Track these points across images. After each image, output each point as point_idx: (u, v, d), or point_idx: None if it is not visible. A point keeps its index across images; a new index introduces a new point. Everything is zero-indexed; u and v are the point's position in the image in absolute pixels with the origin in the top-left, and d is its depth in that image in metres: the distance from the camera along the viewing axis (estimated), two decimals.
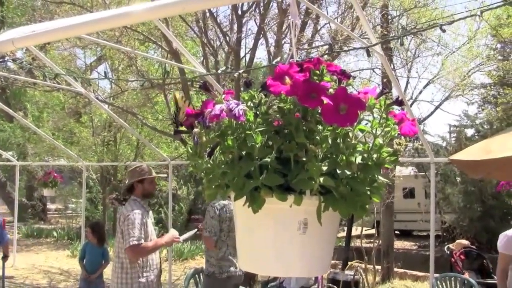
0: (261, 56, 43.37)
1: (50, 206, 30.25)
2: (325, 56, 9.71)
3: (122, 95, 14.28)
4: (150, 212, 5.51)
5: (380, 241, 13.50)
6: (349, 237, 9.26)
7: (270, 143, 1.65)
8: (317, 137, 1.61)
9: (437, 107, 18.18)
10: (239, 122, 1.66)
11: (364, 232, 13.10)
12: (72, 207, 28.21)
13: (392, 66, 13.66)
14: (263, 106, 1.75)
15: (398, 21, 13.69)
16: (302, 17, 10.75)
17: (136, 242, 4.93)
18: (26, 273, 13.10)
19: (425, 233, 22.06)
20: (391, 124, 1.72)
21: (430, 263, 8.65)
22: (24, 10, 16.57)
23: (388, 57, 11.85)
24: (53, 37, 3.04)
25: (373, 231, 15.27)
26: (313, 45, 12.01)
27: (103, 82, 18.69)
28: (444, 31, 2.80)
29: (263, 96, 1.77)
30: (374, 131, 1.71)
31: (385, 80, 12.76)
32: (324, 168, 1.57)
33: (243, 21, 11.24)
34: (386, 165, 1.75)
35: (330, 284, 8.04)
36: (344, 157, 1.64)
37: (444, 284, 8.15)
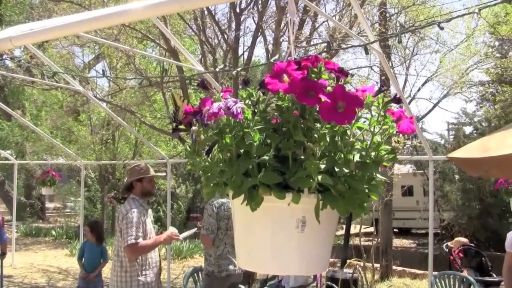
0: (260, 54, 43.40)
1: (49, 204, 30.22)
2: (323, 54, 9.70)
3: (121, 93, 14.27)
4: (150, 211, 5.52)
5: (379, 239, 13.50)
6: (347, 235, 9.24)
7: (268, 141, 1.65)
8: (315, 135, 1.61)
9: (435, 105, 18.19)
10: (237, 120, 1.66)
11: (362, 230, 13.09)
12: (71, 205, 28.19)
13: (390, 64, 13.67)
14: (261, 104, 1.74)
15: (396, 19, 13.67)
16: (300, 15, 10.75)
17: (134, 241, 4.94)
18: (25, 272, 13.10)
19: (423, 231, 22.06)
20: (389, 122, 1.72)
21: (428, 261, 8.67)
22: (22, 8, 16.57)
23: (386, 54, 11.84)
24: (51, 35, 3.04)
25: (371, 229, 15.28)
26: (311, 43, 12.00)
27: (101, 80, 18.76)
28: (442, 28, 2.80)
29: (261, 94, 1.77)
30: (372, 129, 1.71)
31: (383, 77, 12.75)
32: (322, 166, 1.57)
33: (241, 19, 11.22)
34: (384, 163, 1.75)
35: (329, 282, 8.03)
36: (342, 155, 1.64)
37: (442, 282, 8.15)
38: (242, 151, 1.68)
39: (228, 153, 1.72)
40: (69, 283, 11.92)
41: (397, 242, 20.95)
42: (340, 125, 1.62)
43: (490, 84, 18.85)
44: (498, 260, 14.27)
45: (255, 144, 1.63)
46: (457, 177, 20.24)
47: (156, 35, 12.14)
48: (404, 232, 23.87)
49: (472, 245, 10.76)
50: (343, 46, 10.44)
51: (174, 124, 2.04)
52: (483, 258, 9.91)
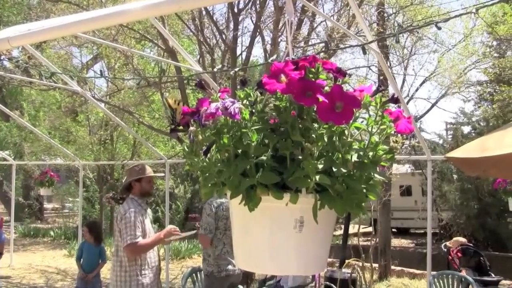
0: (258, 54, 43.38)
1: (47, 205, 30.21)
2: (321, 54, 9.71)
3: (119, 93, 14.27)
4: (149, 210, 5.53)
5: (377, 239, 13.52)
6: (346, 235, 9.26)
7: (266, 141, 1.65)
8: (313, 135, 1.61)
9: (433, 105, 18.23)
10: (235, 120, 1.66)
11: (361, 230, 13.13)
12: (69, 206, 28.18)
13: (388, 64, 13.68)
14: (259, 104, 1.74)
15: (394, 19, 13.69)
16: (298, 15, 10.76)
17: (134, 240, 4.95)
18: (23, 272, 13.08)
19: (422, 231, 22.06)
20: (387, 121, 1.72)
21: (427, 261, 8.67)
22: (20, 9, 16.54)
23: (384, 54, 11.84)
24: (49, 36, 3.04)
25: (370, 229, 15.30)
26: (310, 43, 12.01)
27: (99, 80, 18.73)
28: (439, 28, 2.80)
29: (259, 94, 1.77)
30: (370, 129, 1.71)
31: (381, 77, 12.76)
32: (320, 166, 1.57)
33: (240, 19, 11.23)
34: (382, 163, 1.75)
35: (327, 282, 8.04)
36: (340, 155, 1.64)
37: (441, 281, 8.15)
38: (240, 151, 1.68)
39: (226, 153, 1.72)
40: (67, 284, 11.91)
41: (396, 242, 20.96)
42: (337, 125, 1.62)
43: (488, 84, 18.88)
44: (496, 259, 14.35)
45: (253, 144, 1.63)
46: (455, 176, 20.26)
47: (154, 35, 12.15)
48: (402, 232, 23.89)
49: (471, 244, 10.75)
50: (341, 46, 10.45)
51: (173, 125, 2.04)
52: (481, 258, 9.91)
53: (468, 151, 4.05)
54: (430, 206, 8.89)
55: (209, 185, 1.79)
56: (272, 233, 1.72)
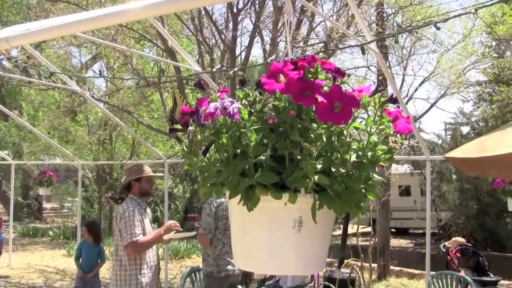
0: (257, 54, 43.43)
1: (46, 205, 30.21)
2: (321, 54, 9.71)
3: (118, 93, 14.26)
4: (148, 210, 5.54)
5: (376, 239, 13.52)
6: (345, 235, 9.23)
7: (265, 141, 1.65)
8: (311, 135, 1.61)
9: (432, 105, 18.24)
10: (234, 120, 1.66)
11: (360, 230, 13.12)
12: (68, 206, 28.20)
13: (387, 64, 13.68)
14: (258, 104, 1.75)
15: (393, 19, 13.69)
16: (297, 15, 10.76)
17: (135, 238, 4.96)
18: (22, 272, 13.08)
19: (421, 231, 22.08)
20: (386, 122, 1.72)
21: (426, 261, 8.67)
22: (19, 9, 16.54)
23: (383, 54, 11.85)
24: (48, 36, 3.04)
25: (369, 229, 15.29)
26: (309, 43, 12.01)
27: (98, 80, 18.71)
28: (438, 28, 2.81)
29: (258, 94, 1.77)
30: (368, 129, 1.71)
31: (380, 77, 12.77)
32: (319, 166, 1.57)
33: (239, 19, 11.23)
34: (381, 163, 1.75)
35: (326, 282, 8.03)
36: (338, 155, 1.64)
37: (440, 281, 8.16)
38: (238, 151, 1.68)
39: (224, 153, 1.72)
40: (66, 284, 11.91)
41: (395, 242, 20.97)
42: (336, 125, 1.62)
43: (487, 84, 18.89)
44: (495, 260, 14.35)
45: (251, 144, 1.63)
46: (454, 177, 20.28)
47: (154, 35, 12.14)
48: (401, 232, 23.90)
49: (470, 245, 10.77)
50: (340, 46, 10.45)
51: (171, 124, 2.05)
52: (480, 258, 9.93)
53: (467, 151, 4.06)
54: (429, 206, 8.89)
55: (208, 185, 1.79)
56: (271, 233, 1.72)
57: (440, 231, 20.66)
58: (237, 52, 11.74)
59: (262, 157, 1.62)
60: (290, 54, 2.14)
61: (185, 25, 12.67)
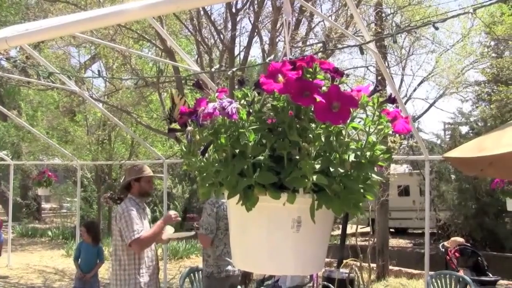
0: (256, 54, 43.43)
1: (45, 205, 30.19)
2: (320, 54, 9.72)
3: (117, 93, 14.26)
4: (147, 210, 5.54)
5: (375, 239, 13.53)
6: (344, 235, 9.23)
7: (264, 141, 1.65)
8: (310, 135, 1.61)
9: (431, 105, 18.23)
10: (232, 120, 1.66)
11: (359, 230, 13.14)
12: (67, 206, 28.18)
13: (386, 64, 13.69)
14: (257, 104, 1.75)
15: (392, 19, 13.70)
16: (296, 15, 10.76)
17: (137, 235, 4.99)
18: (21, 272, 13.07)
19: (420, 231, 22.09)
20: (384, 121, 1.72)
21: (425, 261, 8.67)
22: (18, 9, 16.53)
23: (382, 54, 11.86)
24: (47, 36, 3.04)
25: (368, 229, 15.29)
26: (307, 43, 12.01)
27: (97, 80, 18.77)
28: (437, 28, 2.81)
29: (256, 94, 1.77)
30: (367, 129, 1.71)
31: (379, 78, 12.77)
32: (317, 166, 1.57)
33: (237, 19, 11.24)
34: (379, 163, 1.75)
35: (325, 282, 8.04)
36: (337, 155, 1.64)
37: (439, 281, 8.16)
38: (237, 151, 1.68)
39: (223, 153, 1.72)
40: (65, 284, 11.90)
41: (394, 242, 20.97)
42: (335, 125, 1.62)
43: (486, 84, 18.90)
44: (494, 259, 14.36)
45: (250, 144, 1.63)
46: (453, 176, 20.29)
47: (152, 35, 12.15)
48: (400, 232, 23.91)
49: (468, 244, 10.77)
50: (339, 46, 10.45)
51: (170, 124, 2.05)
52: (479, 258, 9.94)
53: (465, 151, 4.06)
54: (428, 206, 8.90)
55: (207, 185, 1.79)
56: (270, 233, 1.72)
57: (439, 231, 20.67)
58: (236, 52, 11.75)
59: (261, 157, 1.62)
60: (289, 54, 2.14)
61: (184, 25, 12.68)
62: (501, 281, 10.69)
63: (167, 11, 6.99)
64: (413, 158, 14.33)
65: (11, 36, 2.41)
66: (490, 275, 9.73)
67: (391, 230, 20.14)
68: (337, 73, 1.70)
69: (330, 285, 7.78)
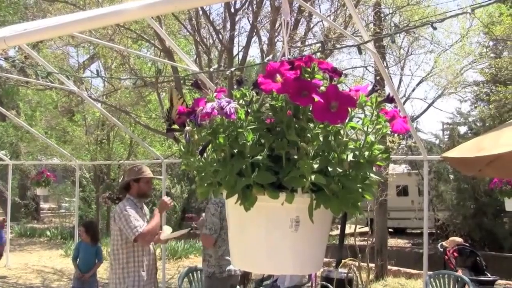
0: (254, 54, 43.40)
1: (43, 205, 30.15)
2: (318, 54, 9.72)
3: (115, 93, 14.25)
4: (146, 210, 5.55)
5: (374, 239, 13.53)
6: (342, 235, 9.26)
7: (262, 141, 1.65)
8: (308, 134, 1.61)
9: (430, 105, 18.27)
10: (231, 120, 1.66)
11: (357, 230, 13.13)
12: (66, 206, 28.14)
13: (385, 64, 13.70)
14: (255, 104, 1.75)
15: (391, 19, 13.71)
16: (295, 15, 10.77)
17: (140, 230, 5.03)
18: (19, 272, 13.07)
19: (418, 231, 22.08)
20: (383, 121, 1.72)
21: (423, 261, 8.69)
22: (16, 9, 16.50)
23: (381, 55, 11.87)
24: (46, 35, 3.04)
25: (366, 229, 15.31)
26: (306, 43, 12.02)
27: (96, 80, 18.75)
28: (435, 28, 2.81)
29: (255, 94, 1.77)
30: (365, 129, 1.71)
31: (378, 78, 12.77)
32: (316, 166, 1.58)
33: (236, 19, 11.25)
34: (378, 163, 1.75)
35: (324, 282, 8.06)
36: (335, 155, 1.64)
37: (437, 281, 8.17)
38: (235, 151, 1.68)
39: (222, 153, 1.72)
40: (64, 284, 11.90)
41: (392, 242, 20.97)
42: (333, 125, 1.62)
43: (485, 84, 18.92)
44: (492, 259, 14.38)
45: (248, 144, 1.63)
46: (452, 176, 20.29)
47: (151, 35, 12.14)
48: (399, 232, 23.91)
49: (467, 244, 10.79)
50: (337, 46, 10.46)
51: (168, 124, 2.05)
52: (477, 258, 9.94)
53: (464, 150, 4.06)
54: (427, 206, 8.92)
55: (205, 184, 1.79)
56: (268, 232, 1.72)
57: (438, 231, 20.69)
58: (235, 52, 11.75)
59: (259, 157, 1.62)
60: (287, 54, 2.14)
61: (183, 25, 12.68)
62: (499, 281, 10.70)
63: (165, 11, 6.99)
64: (411, 158, 14.35)
65: (10, 36, 2.41)
66: (489, 275, 9.74)
67: (389, 230, 20.16)
68: (335, 72, 1.70)
69: (328, 285, 7.80)
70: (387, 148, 1.75)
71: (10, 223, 14.77)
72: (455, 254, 9.78)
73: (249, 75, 18.12)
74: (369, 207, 12.38)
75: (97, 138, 17.25)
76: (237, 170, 1.65)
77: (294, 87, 1.56)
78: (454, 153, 4.23)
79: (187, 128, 1.82)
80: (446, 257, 9.77)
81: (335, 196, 1.63)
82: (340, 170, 1.62)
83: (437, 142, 22.05)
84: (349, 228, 15.76)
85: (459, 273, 8.70)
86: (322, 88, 1.62)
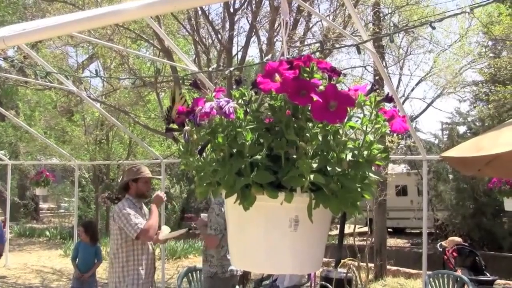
0: (253, 54, 43.42)
1: (43, 205, 30.13)
2: (317, 54, 9.72)
3: (114, 93, 14.25)
4: (145, 210, 5.56)
5: (373, 238, 13.53)
6: (341, 235, 9.25)
7: (261, 140, 1.65)
8: (307, 134, 1.61)
9: (429, 105, 18.25)
10: (230, 119, 1.66)
11: (357, 230, 13.13)
12: (65, 206, 28.14)
13: (384, 64, 13.70)
14: (254, 103, 1.75)
15: (390, 19, 13.71)
16: (294, 15, 10.77)
17: (141, 227, 5.08)
18: (19, 272, 13.06)
19: (417, 231, 22.11)
20: (382, 120, 1.72)
21: (422, 261, 8.69)
22: (15, 8, 16.49)
23: (380, 54, 11.86)
24: (45, 35, 3.03)
25: (366, 229, 15.32)
26: (305, 43, 12.02)
27: (95, 80, 18.74)
28: (434, 28, 2.81)
29: (254, 94, 1.77)
30: (364, 128, 1.71)
31: (377, 77, 12.78)
32: (315, 165, 1.57)
33: (235, 19, 11.25)
34: (377, 162, 1.75)
35: (323, 282, 8.04)
36: (334, 154, 1.64)
37: (436, 281, 8.17)
38: (234, 150, 1.68)
39: (220, 153, 1.72)
40: (63, 284, 11.89)
41: (391, 241, 20.98)
42: (332, 124, 1.62)
43: (484, 84, 18.92)
44: (492, 259, 14.38)
45: (247, 143, 1.63)
46: (451, 176, 20.30)
47: (150, 35, 12.14)
48: (398, 232, 23.90)
49: (466, 244, 10.79)
50: (337, 45, 10.46)
51: (168, 122, 2.05)
52: (477, 258, 9.95)
53: (463, 150, 4.06)
54: (426, 206, 8.91)
55: (204, 184, 1.79)
56: (267, 232, 1.72)
57: (437, 231, 20.70)
58: (234, 52, 11.75)
59: (258, 157, 1.62)
60: (286, 54, 2.14)
61: (182, 25, 12.67)
62: (498, 281, 10.71)
63: (164, 11, 6.99)
64: (411, 158, 14.34)
65: (9, 36, 2.41)
66: (488, 274, 9.75)
67: (389, 230, 20.18)
68: (334, 72, 1.70)
69: (328, 284, 7.79)
70: (386, 148, 1.75)
71: (10, 223, 14.77)
72: (454, 254, 9.78)
73: (248, 75, 18.13)
74: (368, 207, 12.39)
75: (96, 138, 17.25)
76: (236, 170, 1.65)
77: (293, 86, 1.56)
78: (453, 152, 4.23)
79: (186, 128, 1.82)
80: (445, 257, 9.77)
81: (334, 196, 1.63)
82: (339, 170, 1.62)
83: (436, 142, 22.05)
84: (348, 228, 15.76)
85: (458, 273, 8.71)
86: (321, 87, 1.62)
